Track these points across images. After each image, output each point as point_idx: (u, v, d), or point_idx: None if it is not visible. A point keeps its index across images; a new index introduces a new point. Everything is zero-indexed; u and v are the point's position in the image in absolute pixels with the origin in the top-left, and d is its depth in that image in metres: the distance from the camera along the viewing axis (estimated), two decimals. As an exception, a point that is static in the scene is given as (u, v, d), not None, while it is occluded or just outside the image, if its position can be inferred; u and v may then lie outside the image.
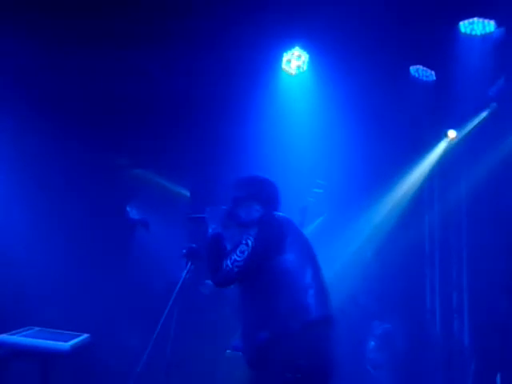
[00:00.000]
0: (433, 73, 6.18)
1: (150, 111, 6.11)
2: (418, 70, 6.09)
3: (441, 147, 6.36)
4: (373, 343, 6.27)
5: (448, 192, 6.29)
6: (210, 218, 3.50)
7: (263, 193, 3.64)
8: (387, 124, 6.34)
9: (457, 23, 5.65)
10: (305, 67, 6.28)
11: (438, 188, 6.43)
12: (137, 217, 6.41)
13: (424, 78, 6.17)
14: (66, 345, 4.10)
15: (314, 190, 7.12)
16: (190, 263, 3.46)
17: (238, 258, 3.34)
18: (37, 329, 4.41)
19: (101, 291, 5.66)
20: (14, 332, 4.20)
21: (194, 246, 3.52)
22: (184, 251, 3.49)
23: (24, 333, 4.25)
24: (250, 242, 3.35)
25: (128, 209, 6.43)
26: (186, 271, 3.48)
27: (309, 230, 6.78)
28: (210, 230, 3.46)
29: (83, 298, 5.46)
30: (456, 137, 6.28)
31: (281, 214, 3.59)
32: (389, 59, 6.26)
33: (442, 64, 6.01)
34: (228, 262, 3.33)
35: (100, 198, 6.07)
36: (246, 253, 3.34)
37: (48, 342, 4.11)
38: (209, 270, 3.45)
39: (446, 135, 6.33)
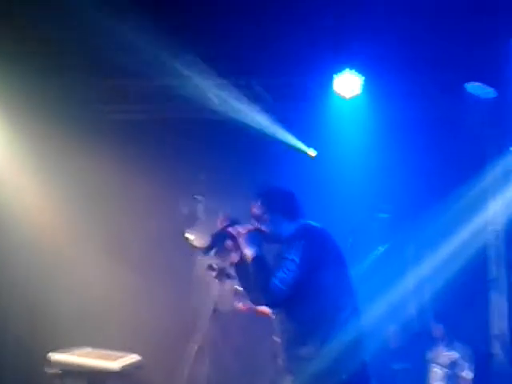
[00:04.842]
0: (492, 90, 5.98)
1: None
2: (475, 88, 5.91)
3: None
4: (438, 371, 6.06)
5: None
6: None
7: (283, 203, 3.57)
8: (447, 144, 6.19)
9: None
10: (359, 90, 6.23)
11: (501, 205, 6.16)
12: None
13: (482, 96, 5.98)
14: (115, 364, 4.20)
15: (378, 214, 6.99)
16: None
17: (285, 276, 3.23)
18: (89, 349, 4.54)
19: (160, 315, 5.77)
20: (67, 350, 4.35)
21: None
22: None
23: (77, 352, 4.39)
24: (296, 258, 3.25)
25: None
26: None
27: (370, 260, 6.68)
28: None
29: (141, 319, 5.59)
30: None
31: (315, 223, 3.52)
32: (445, 77, 6.17)
33: (502, 81, 5.82)
34: (276, 280, 3.22)
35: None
36: (294, 269, 3.23)
37: (98, 361, 4.23)
38: (257, 292, 3.36)
39: None
